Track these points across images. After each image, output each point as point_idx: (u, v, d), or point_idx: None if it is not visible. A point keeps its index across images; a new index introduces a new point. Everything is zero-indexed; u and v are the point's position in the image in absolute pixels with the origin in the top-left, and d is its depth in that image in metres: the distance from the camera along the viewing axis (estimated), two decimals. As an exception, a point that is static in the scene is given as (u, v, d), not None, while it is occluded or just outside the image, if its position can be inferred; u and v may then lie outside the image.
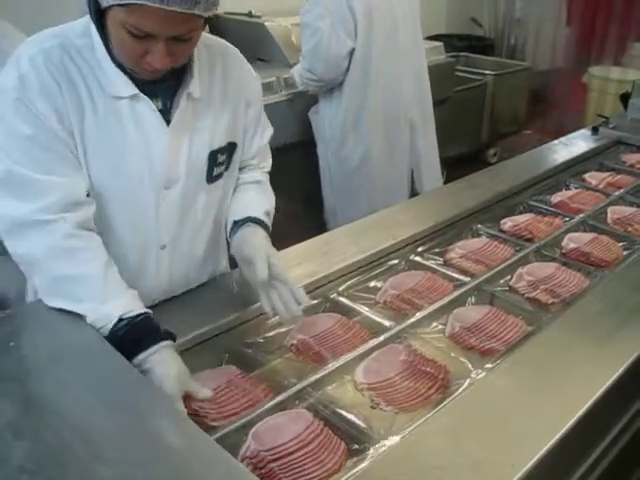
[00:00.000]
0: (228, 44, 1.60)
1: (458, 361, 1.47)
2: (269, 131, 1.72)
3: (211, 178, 1.54)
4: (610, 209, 2.19)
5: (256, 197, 1.66)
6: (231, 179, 1.63)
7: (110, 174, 1.40)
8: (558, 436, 1.16)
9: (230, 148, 1.56)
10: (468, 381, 1.36)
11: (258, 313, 1.55)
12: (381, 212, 2.10)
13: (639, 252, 1.87)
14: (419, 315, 1.59)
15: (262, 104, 1.67)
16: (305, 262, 1.74)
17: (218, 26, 3.61)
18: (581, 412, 1.22)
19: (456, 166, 4.13)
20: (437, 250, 1.95)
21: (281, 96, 3.21)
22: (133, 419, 1.12)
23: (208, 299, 1.61)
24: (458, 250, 1.93)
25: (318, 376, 1.37)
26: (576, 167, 2.57)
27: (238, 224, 1.57)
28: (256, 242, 1.50)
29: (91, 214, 1.38)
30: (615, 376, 1.32)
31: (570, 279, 1.76)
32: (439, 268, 1.84)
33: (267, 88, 3.16)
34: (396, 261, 1.87)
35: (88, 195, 1.38)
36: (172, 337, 1.35)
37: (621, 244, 1.96)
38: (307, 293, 1.63)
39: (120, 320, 1.31)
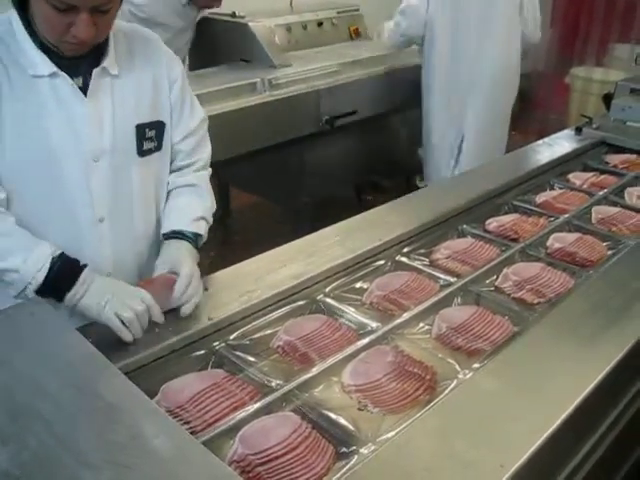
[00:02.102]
0: (147, 30, 1.67)
1: (445, 362, 1.47)
2: (199, 115, 1.74)
3: (142, 152, 1.58)
4: (594, 209, 2.20)
5: (187, 203, 1.69)
6: (164, 159, 1.67)
7: (33, 151, 1.43)
8: (546, 435, 1.16)
9: (158, 126, 1.61)
10: (455, 382, 1.36)
11: (243, 315, 1.54)
12: (367, 213, 2.09)
13: (623, 252, 1.88)
14: (406, 316, 1.58)
15: (188, 87, 1.71)
16: (291, 263, 1.74)
17: (201, 27, 3.60)
18: (568, 411, 1.22)
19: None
20: (423, 251, 1.95)
21: (265, 97, 3.20)
22: (118, 423, 1.11)
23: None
24: (444, 251, 1.93)
25: (305, 378, 1.36)
26: (561, 167, 2.58)
27: (165, 237, 1.64)
28: (172, 261, 1.56)
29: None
30: (601, 375, 1.33)
31: (555, 279, 1.76)
32: (425, 269, 1.84)
33: (251, 89, 3.16)
34: (382, 262, 1.86)
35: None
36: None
37: (605, 244, 1.97)
38: (293, 294, 1.64)
39: (53, 259, 1.39)
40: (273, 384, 1.37)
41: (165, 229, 1.65)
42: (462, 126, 3.58)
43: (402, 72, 3.84)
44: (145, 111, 1.57)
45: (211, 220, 1.73)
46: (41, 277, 1.38)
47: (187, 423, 1.26)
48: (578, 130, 2.86)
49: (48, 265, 1.38)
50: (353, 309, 1.65)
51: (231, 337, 1.52)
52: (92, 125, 1.48)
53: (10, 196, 1.44)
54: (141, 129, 1.56)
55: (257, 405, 1.29)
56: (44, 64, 1.42)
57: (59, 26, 1.34)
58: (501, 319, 1.60)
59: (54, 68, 1.42)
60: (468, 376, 1.37)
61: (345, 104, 3.50)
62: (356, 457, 1.17)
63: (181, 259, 1.55)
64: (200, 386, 1.34)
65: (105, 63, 1.49)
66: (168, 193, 1.71)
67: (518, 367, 1.37)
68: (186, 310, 1.48)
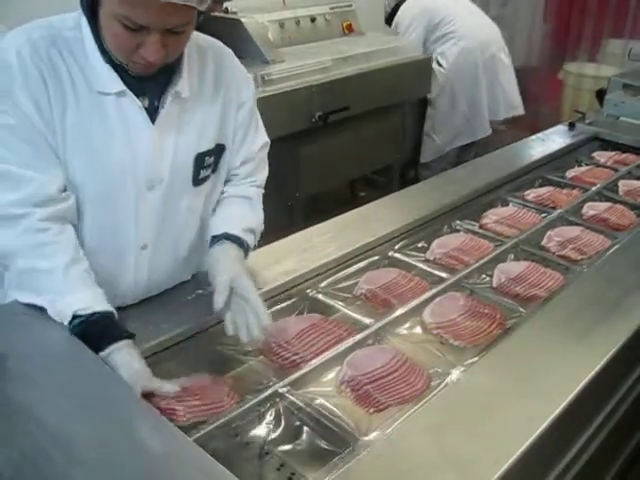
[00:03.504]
0: (222, 45, 1.57)
1: (437, 357, 1.47)
2: (262, 140, 1.67)
3: (197, 181, 1.50)
4: (621, 182, 2.37)
5: (239, 212, 1.61)
6: (218, 182, 1.59)
7: (90, 171, 1.36)
8: (539, 431, 1.16)
9: (218, 150, 1.53)
10: (449, 378, 1.36)
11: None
12: (361, 209, 2.09)
13: (617, 247, 1.89)
14: (400, 311, 1.58)
15: (256, 108, 1.63)
16: (284, 260, 1.73)
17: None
18: (562, 407, 1.22)
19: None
20: (418, 245, 1.96)
21: (258, 93, 3.18)
22: (109, 421, 1.10)
23: (184, 300, 1.58)
24: (492, 216, 2.10)
25: (296, 376, 1.36)
26: (554, 163, 2.58)
27: (214, 240, 1.53)
28: (222, 265, 1.46)
29: (66, 208, 1.35)
30: (595, 371, 1.33)
31: (594, 239, 1.95)
32: (419, 264, 1.84)
33: (244, 85, 3.14)
34: (377, 257, 1.86)
35: (65, 190, 1.35)
36: (131, 336, 1.32)
37: (634, 212, 2.18)
38: (286, 291, 1.64)
39: (75, 317, 1.28)
40: (265, 381, 1.37)
41: (217, 231, 1.54)
42: None
43: (396, 68, 3.83)
44: (208, 138, 1.49)
45: (259, 236, 1.64)
46: (65, 323, 1.30)
47: (296, 354, 1.44)
48: (571, 125, 2.86)
49: (66, 323, 1.29)
50: (345, 304, 1.65)
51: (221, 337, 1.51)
52: (154, 153, 1.40)
53: None
54: (201, 158, 1.48)
55: (252, 402, 1.28)
56: (112, 81, 1.33)
57: (128, 45, 1.26)
58: (552, 271, 1.78)
59: (122, 86, 1.34)
60: (461, 372, 1.37)
61: (338, 100, 3.49)
62: (350, 454, 1.17)
63: (243, 276, 1.43)
64: (302, 325, 1.52)
65: (178, 86, 1.40)
66: (219, 202, 1.62)
67: (512, 362, 1.37)
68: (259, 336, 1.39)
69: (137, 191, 1.42)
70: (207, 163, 1.50)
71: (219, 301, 1.38)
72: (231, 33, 3.44)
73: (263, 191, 1.72)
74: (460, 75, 4.35)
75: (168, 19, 1.22)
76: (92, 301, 1.31)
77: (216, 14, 3.50)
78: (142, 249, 1.49)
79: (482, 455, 1.11)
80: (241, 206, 1.62)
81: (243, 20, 3.42)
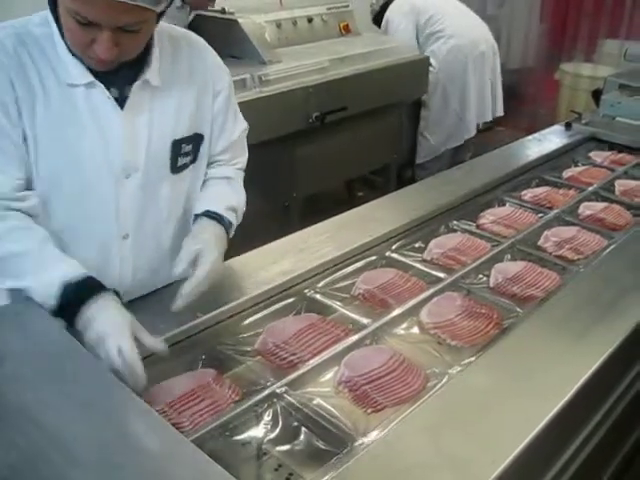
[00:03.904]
0: (195, 36, 1.59)
1: (435, 357, 1.47)
2: (241, 126, 1.69)
3: (176, 168, 1.52)
4: (617, 182, 2.36)
5: (221, 191, 1.64)
6: (199, 172, 1.61)
7: (65, 163, 1.39)
8: (537, 431, 1.16)
9: (196, 139, 1.55)
10: (446, 378, 1.36)
11: (231, 313, 1.54)
12: (358, 209, 2.09)
13: (613, 247, 1.89)
14: (397, 311, 1.58)
15: (233, 97, 1.65)
16: (282, 260, 1.73)
17: (191, 23, 3.58)
18: (559, 406, 1.22)
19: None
20: (415, 246, 1.96)
21: (255, 93, 3.19)
22: (107, 422, 1.10)
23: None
24: (489, 216, 2.11)
25: (294, 376, 1.36)
26: (550, 163, 2.59)
27: (196, 218, 1.56)
28: (194, 236, 1.49)
29: (26, 207, 1.36)
30: (592, 370, 1.33)
31: (591, 239, 1.95)
32: (416, 264, 1.84)
33: (241, 85, 3.14)
34: (374, 257, 1.86)
35: (28, 190, 1.37)
36: (117, 295, 1.34)
37: (630, 211, 2.17)
38: (283, 291, 1.64)
39: (64, 285, 1.29)
40: (262, 381, 1.37)
41: (199, 210, 1.57)
42: None
43: (392, 68, 3.84)
44: (184, 125, 1.51)
45: (241, 216, 1.67)
46: (51, 302, 1.30)
47: (294, 354, 1.44)
48: (568, 125, 2.87)
49: (54, 292, 1.29)
50: (343, 304, 1.65)
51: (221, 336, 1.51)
52: (126, 140, 1.42)
53: (43, 204, 1.39)
54: (177, 145, 1.50)
55: (249, 402, 1.28)
56: (80, 73, 1.35)
57: (82, 40, 1.28)
58: (549, 271, 1.78)
59: (90, 77, 1.36)
60: (458, 372, 1.37)
61: (335, 100, 3.50)
62: (348, 453, 1.17)
63: (211, 247, 1.47)
64: (300, 325, 1.52)
65: (147, 75, 1.42)
66: (202, 183, 1.64)
67: (509, 362, 1.37)
68: (178, 305, 1.40)
69: (114, 180, 1.44)
70: (185, 150, 1.53)
71: (177, 269, 1.42)
72: (228, 34, 3.44)
73: (243, 174, 1.75)
74: (451, 74, 4.38)
75: (119, 17, 1.23)
76: (78, 266, 1.34)
77: (213, 15, 3.51)
78: (124, 239, 1.50)
79: (479, 455, 1.11)
80: (222, 186, 1.66)
81: (240, 21, 3.42)
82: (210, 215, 1.55)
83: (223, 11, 3.56)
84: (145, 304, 1.54)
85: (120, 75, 1.39)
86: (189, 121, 1.52)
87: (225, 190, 1.65)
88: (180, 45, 1.52)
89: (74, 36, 1.29)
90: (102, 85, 1.38)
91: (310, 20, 3.96)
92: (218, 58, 1.62)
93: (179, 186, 1.56)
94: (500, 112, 4.69)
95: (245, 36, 3.38)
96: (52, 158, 1.37)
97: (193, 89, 1.52)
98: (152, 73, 1.43)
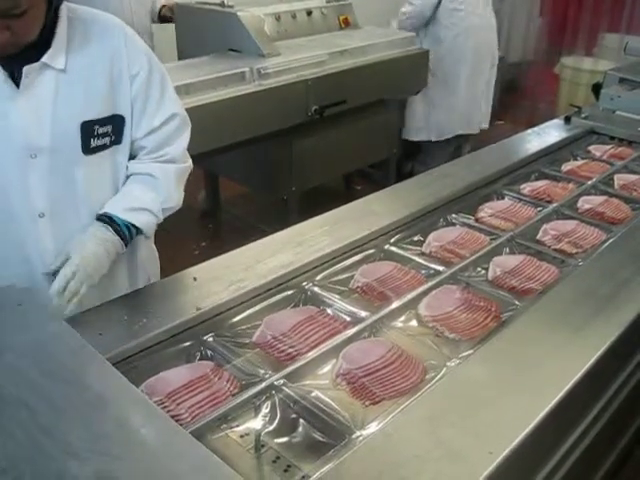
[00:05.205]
0: (111, 17, 1.58)
1: (433, 350, 1.47)
2: (167, 111, 1.63)
3: (89, 149, 1.52)
4: (616, 176, 2.36)
5: (131, 191, 1.62)
6: (123, 154, 1.60)
7: None
8: (534, 423, 1.17)
9: (116, 120, 1.54)
10: (444, 370, 1.37)
11: (229, 306, 1.54)
12: (357, 202, 2.09)
13: (612, 240, 1.89)
14: (396, 304, 1.59)
15: (160, 82, 1.61)
16: (280, 253, 1.73)
17: (190, 16, 3.57)
18: (557, 399, 1.23)
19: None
20: (414, 239, 1.96)
21: (254, 86, 3.18)
22: (105, 413, 1.10)
23: (179, 289, 1.59)
24: (487, 210, 2.11)
25: (292, 369, 1.36)
26: (550, 156, 2.59)
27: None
28: (75, 246, 1.51)
29: None
30: (589, 364, 1.33)
31: (589, 233, 1.96)
32: (415, 257, 1.85)
33: (240, 79, 3.14)
34: (372, 251, 1.86)
35: None
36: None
37: (629, 205, 2.17)
38: (282, 284, 1.64)
39: None
40: (261, 372, 1.37)
41: (99, 212, 1.58)
42: None
43: (392, 61, 3.83)
44: (97, 106, 1.50)
45: (161, 216, 1.63)
46: None
47: (292, 347, 1.44)
48: (567, 119, 2.87)
49: None
50: (340, 297, 1.65)
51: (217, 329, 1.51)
52: (26, 120, 1.43)
53: None
54: (89, 126, 1.50)
55: (246, 395, 1.29)
56: None
57: None
58: (548, 265, 1.78)
59: None
60: (456, 364, 1.37)
61: (334, 94, 3.49)
62: (346, 445, 1.17)
63: (82, 246, 1.50)
64: (298, 318, 1.52)
65: (45, 58, 1.42)
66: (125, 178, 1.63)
67: (507, 355, 1.37)
68: (66, 311, 1.44)
69: (18, 158, 1.45)
70: (99, 132, 1.52)
71: (52, 290, 1.45)
72: (227, 26, 3.44)
73: (183, 167, 1.70)
74: (457, 56, 4.33)
75: None
76: None
77: (213, 8, 3.50)
78: (40, 217, 1.51)
79: (477, 447, 1.11)
80: (137, 184, 1.63)
81: (239, 14, 3.42)
82: (100, 218, 1.56)
83: (222, 4, 3.55)
84: (142, 297, 1.55)
85: (22, 57, 1.40)
86: (102, 103, 1.51)
87: (137, 190, 1.62)
88: (91, 28, 1.52)
89: None
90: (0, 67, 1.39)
91: (309, 13, 3.96)
92: (138, 41, 1.60)
93: (98, 167, 1.56)
94: (485, 124, 4.67)
95: (244, 29, 3.37)
96: None
97: (105, 70, 1.52)
98: (53, 55, 1.44)
